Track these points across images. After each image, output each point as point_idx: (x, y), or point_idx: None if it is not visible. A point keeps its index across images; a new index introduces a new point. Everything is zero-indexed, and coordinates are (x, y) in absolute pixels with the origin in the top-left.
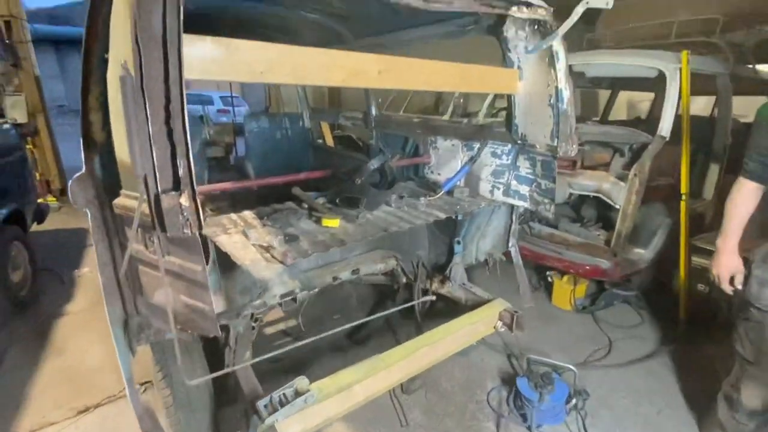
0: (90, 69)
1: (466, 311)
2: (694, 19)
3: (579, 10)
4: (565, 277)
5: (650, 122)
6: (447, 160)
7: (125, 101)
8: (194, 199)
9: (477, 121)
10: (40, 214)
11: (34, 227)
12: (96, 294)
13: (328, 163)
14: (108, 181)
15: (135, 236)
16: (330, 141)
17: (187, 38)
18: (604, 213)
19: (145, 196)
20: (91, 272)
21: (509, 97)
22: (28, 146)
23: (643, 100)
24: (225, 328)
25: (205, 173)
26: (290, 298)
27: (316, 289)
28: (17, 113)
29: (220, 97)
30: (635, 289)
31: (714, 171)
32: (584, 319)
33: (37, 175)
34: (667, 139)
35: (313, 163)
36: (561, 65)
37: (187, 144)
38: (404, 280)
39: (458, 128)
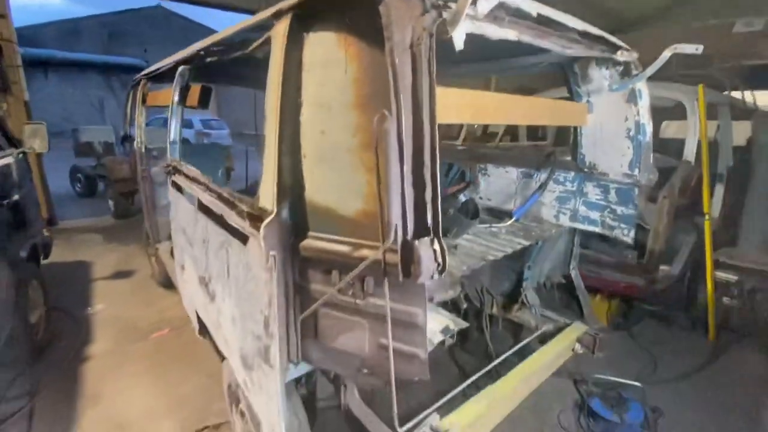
0: (285, 115)
1: (539, 335)
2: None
3: (666, 54)
4: (598, 296)
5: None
6: (498, 186)
7: (386, 148)
8: (441, 245)
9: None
10: (47, 248)
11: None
12: (119, 334)
13: None
14: (294, 223)
15: (334, 280)
16: None
17: None
18: None
19: (391, 243)
20: (105, 310)
21: (575, 129)
22: None
23: None
24: None
25: None
26: (450, 335)
27: None
28: (38, 143)
29: (200, 120)
30: (662, 304)
31: (719, 191)
32: (620, 336)
33: None
34: (692, 163)
35: None
36: (644, 102)
37: (436, 191)
38: (464, 306)
39: (513, 156)
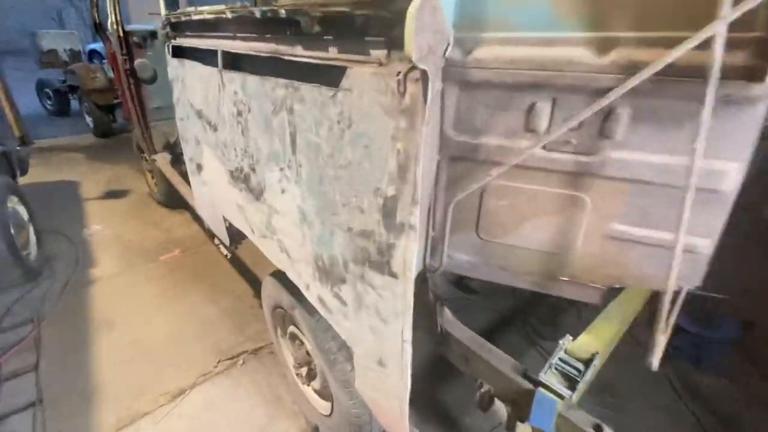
0: None
1: None
2: None
3: None
4: None
5: None
6: None
7: None
8: None
9: None
10: (23, 163)
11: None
12: (124, 256)
13: None
14: (456, 17)
15: (532, 126)
16: None
17: None
18: None
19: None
20: (104, 231)
21: None
22: None
23: None
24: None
25: None
26: None
27: None
28: None
29: None
30: None
31: None
32: None
33: None
34: None
35: None
36: None
37: None
38: None
39: None
